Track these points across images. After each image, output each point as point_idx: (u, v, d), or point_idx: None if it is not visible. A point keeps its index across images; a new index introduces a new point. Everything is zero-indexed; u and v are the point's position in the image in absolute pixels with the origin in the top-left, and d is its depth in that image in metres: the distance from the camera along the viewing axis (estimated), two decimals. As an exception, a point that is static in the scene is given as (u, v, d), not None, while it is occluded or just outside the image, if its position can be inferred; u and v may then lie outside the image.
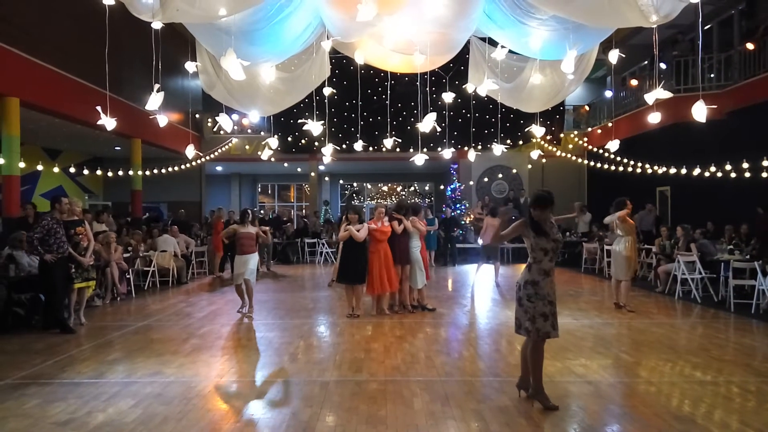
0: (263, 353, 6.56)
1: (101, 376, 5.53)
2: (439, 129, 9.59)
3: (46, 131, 14.12)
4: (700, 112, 5.54)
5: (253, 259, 8.86)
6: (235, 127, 19.38)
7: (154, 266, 11.82)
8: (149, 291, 11.50)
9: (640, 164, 14.54)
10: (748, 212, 11.28)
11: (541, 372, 4.65)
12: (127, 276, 10.84)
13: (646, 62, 15.77)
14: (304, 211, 25.21)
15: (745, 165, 11.28)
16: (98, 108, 6.32)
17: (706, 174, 12.15)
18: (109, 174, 16.33)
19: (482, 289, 11.33)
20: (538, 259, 4.61)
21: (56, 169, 16.59)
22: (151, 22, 6.03)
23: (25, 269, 8.21)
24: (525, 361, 4.77)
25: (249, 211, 9.09)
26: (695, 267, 9.98)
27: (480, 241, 11.56)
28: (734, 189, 11.79)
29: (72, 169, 16.63)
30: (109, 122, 6.43)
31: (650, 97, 6.35)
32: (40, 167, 15.80)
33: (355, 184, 28.19)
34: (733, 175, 11.63)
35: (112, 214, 14.62)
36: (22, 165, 11.10)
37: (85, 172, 16.59)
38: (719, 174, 11.91)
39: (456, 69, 12.98)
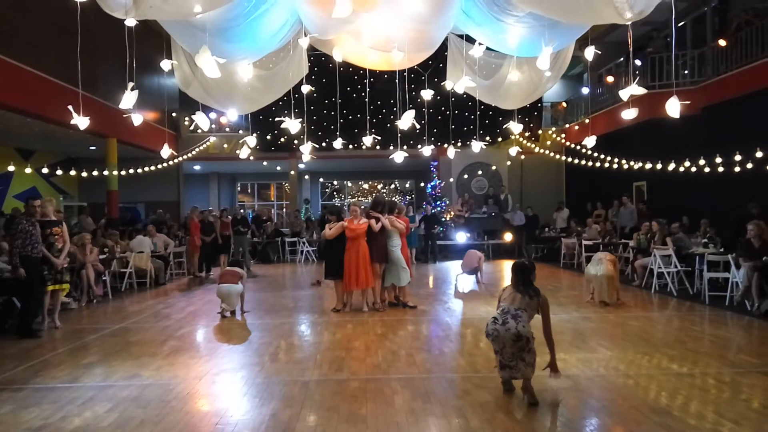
0: (243, 353, 6.50)
1: (77, 380, 5.42)
2: (418, 126, 9.59)
3: (17, 131, 13.82)
4: (674, 107, 5.61)
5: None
6: (213, 126, 19.22)
7: (131, 268, 11.65)
8: (126, 293, 11.33)
9: (616, 160, 14.71)
10: (722, 206, 11.50)
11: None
12: (104, 278, 10.66)
13: (621, 59, 15.95)
14: (284, 210, 25.02)
15: (719, 160, 11.49)
16: (70, 107, 6.20)
17: (681, 169, 12.34)
18: (84, 174, 16.03)
19: (464, 286, 11.38)
20: None
21: (29, 170, 16.26)
22: (124, 20, 5.93)
23: (-2, 272, 8.03)
24: None
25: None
26: (671, 260, 10.13)
27: (460, 269, 11.80)
28: (709, 183, 12.00)
29: (45, 170, 16.30)
30: (82, 121, 6.32)
31: (625, 94, 6.42)
32: (12, 168, 15.47)
33: (335, 182, 28.11)
34: (707, 169, 11.83)
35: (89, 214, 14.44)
36: (-7, 166, 10.87)
37: (59, 172, 16.27)
38: (693, 169, 12.10)
39: (434, 66, 13.00)
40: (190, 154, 19.11)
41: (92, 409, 4.61)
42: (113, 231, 12.64)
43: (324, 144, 17.40)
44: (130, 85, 6.36)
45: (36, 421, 4.39)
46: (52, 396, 4.97)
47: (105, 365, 5.97)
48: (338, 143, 11.06)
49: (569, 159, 18.01)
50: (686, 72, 14.27)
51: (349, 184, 28.22)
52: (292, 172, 21.12)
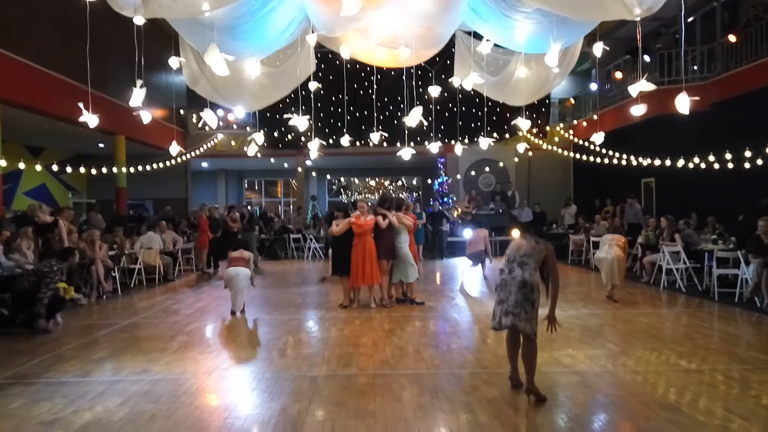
0: (251, 349, 6.53)
1: (87, 375, 5.48)
2: (425, 123, 9.60)
3: (27, 128, 13.91)
4: (683, 103, 5.60)
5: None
6: (221, 123, 19.25)
7: (140, 264, 11.72)
8: (135, 289, 11.40)
9: (625, 156, 14.63)
10: (731, 203, 11.42)
11: (535, 367, 4.65)
12: (113, 274, 10.74)
13: (629, 55, 15.86)
14: (291, 206, 25.08)
15: (728, 156, 11.40)
16: (80, 104, 6.25)
17: (690, 165, 12.26)
18: (93, 171, 16.11)
19: (471, 282, 11.38)
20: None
21: (39, 167, 16.36)
22: (133, 18, 5.97)
23: (8, 269, 8.09)
24: (514, 357, 4.79)
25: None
26: (680, 257, 10.09)
27: (467, 250, 11.76)
28: (718, 180, 11.92)
29: (55, 167, 16.42)
30: (91, 119, 6.37)
31: (634, 90, 6.40)
32: (22, 165, 15.56)
33: (342, 179, 28.13)
34: (716, 166, 11.74)
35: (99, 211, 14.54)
36: (3, 163, 10.92)
37: (68, 169, 16.36)
38: (703, 165, 12.02)
39: (442, 63, 12.99)
40: (197, 151, 19.18)
41: (103, 404, 4.66)
42: (117, 228, 12.70)
43: (331, 141, 17.43)
44: (139, 82, 6.41)
45: (47, 415, 4.44)
46: (63, 390, 5.02)
47: (115, 360, 6.02)
48: (345, 140, 11.08)
49: (577, 155, 17.92)
50: (695, 68, 14.16)
51: (356, 181, 28.23)
52: (300, 169, 21.16)
